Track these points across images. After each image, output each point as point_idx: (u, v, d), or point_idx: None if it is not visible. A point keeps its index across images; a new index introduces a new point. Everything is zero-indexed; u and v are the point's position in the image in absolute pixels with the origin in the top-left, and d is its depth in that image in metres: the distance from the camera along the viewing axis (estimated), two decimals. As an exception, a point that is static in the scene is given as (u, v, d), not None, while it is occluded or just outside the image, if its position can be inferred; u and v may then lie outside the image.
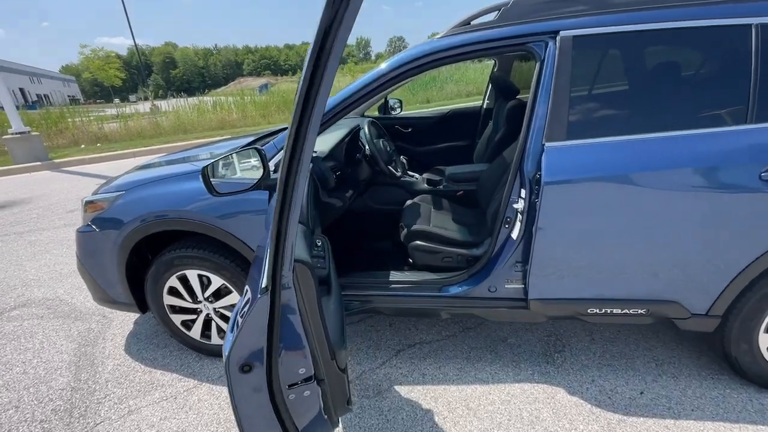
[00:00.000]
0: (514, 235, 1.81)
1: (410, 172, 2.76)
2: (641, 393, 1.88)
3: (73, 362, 2.40)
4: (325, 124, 1.84)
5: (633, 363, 2.07)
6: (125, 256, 2.09)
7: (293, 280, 1.01)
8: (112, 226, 2.08)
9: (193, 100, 17.09)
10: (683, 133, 1.53)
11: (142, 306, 2.25)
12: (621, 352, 2.15)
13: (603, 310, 1.79)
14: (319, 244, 1.43)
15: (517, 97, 2.80)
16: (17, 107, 9.46)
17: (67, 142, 11.89)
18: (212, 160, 1.61)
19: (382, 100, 3.49)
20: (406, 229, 2.18)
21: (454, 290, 1.98)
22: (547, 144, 1.63)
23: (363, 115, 3.45)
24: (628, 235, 1.62)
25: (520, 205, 1.74)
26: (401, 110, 3.59)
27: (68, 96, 63.97)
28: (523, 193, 1.73)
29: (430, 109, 3.66)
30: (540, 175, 1.61)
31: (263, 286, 1.00)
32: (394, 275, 2.09)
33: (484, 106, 3.39)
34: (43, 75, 64.80)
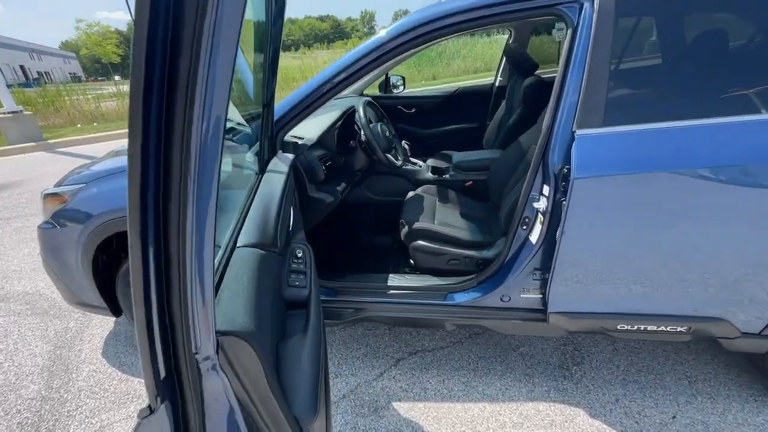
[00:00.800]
0: (534, 238, 1.54)
1: (413, 159, 2.48)
2: (673, 417, 1.64)
3: (47, 367, 2.22)
4: (312, 106, 1.56)
5: (662, 379, 1.83)
6: (91, 255, 1.85)
7: (220, 362, 0.63)
8: (76, 221, 1.84)
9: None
10: (755, 118, 1.22)
11: (115, 309, 2.04)
12: (648, 367, 1.91)
13: (636, 327, 1.54)
14: (300, 255, 1.18)
15: (535, 73, 2.46)
16: (15, 85, 9.15)
17: (64, 121, 11.61)
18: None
19: (383, 77, 3.16)
20: (406, 227, 1.91)
21: (461, 298, 1.74)
22: (579, 131, 1.34)
23: (361, 94, 3.13)
24: (674, 241, 1.34)
25: (541, 204, 1.46)
26: (404, 88, 3.27)
27: (69, 73, 63.12)
28: (546, 190, 1.45)
29: (436, 87, 3.32)
30: (569, 169, 1.33)
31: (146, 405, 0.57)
32: (393, 279, 1.84)
33: (497, 84, 3.06)
34: (43, 51, 63.79)
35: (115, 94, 13.68)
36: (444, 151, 3.02)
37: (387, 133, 1.95)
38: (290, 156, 1.46)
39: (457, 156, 2.42)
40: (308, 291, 1.10)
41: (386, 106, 3.23)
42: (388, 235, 2.45)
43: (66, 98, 12.59)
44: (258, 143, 1.42)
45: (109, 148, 8.03)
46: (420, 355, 2.09)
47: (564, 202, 1.37)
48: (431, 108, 3.20)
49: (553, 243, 1.47)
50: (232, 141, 1.29)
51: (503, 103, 2.86)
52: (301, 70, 15.50)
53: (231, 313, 0.69)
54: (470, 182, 2.32)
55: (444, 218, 2.04)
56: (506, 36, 3.07)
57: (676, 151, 1.25)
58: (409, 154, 2.41)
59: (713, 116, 1.24)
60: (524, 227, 1.58)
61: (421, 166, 2.46)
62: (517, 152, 2.09)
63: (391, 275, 1.88)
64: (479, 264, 1.84)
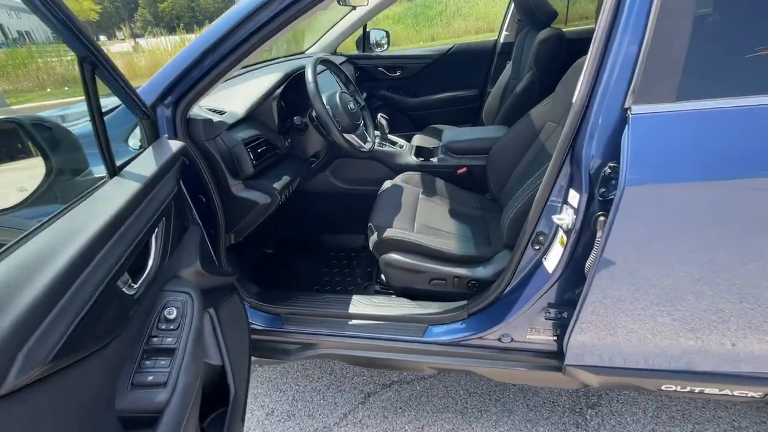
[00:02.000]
0: (550, 264, 1.06)
1: (393, 137, 1.95)
2: (723, 494, 1.24)
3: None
4: (231, 59, 1.03)
5: (703, 431, 1.42)
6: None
7: None
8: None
9: (175, 38, 15.51)
10: None
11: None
12: (684, 412, 1.49)
13: (688, 389, 1.09)
14: (173, 316, 0.70)
15: (552, 25, 1.88)
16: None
17: (33, 85, 10.75)
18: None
19: (360, 31, 2.56)
20: (376, 234, 1.43)
21: (446, 335, 1.28)
22: (637, 109, 0.83)
23: (334, 53, 2.54)
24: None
25: (565, 217, 0.97)
26: (388, 46, 2.67)
27: (52, 33, 59.75)
28: (573, 197, 0.96)
29: (427, 47, 2.71)
30: (615, 167, 0.84)
31: None
32: (357, 304, 1.38)
33: (501, 41, 2.47)
34: (21, 9, 60.20)
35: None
36: (434, 126, 2.48)
37: (350, 105, 1.42)
38: (176, 144, 0.94)
39: (449, 134, 1.89)
40: (171, 391, 0.63)
41: (364, 68, 2.65)
42: (357, 239, 1.97)
43: (39, 60, 11.65)
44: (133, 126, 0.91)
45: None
46: (395, 388, 1.66)
47: (603, 219, 0.88)
48: (420, 71, 2.62)
49: (580, 276, 1.00)
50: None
51: (509, 65, 2.29)
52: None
53: None
54: (464, 169, 1.81)
55: (427, 219, 1.54)
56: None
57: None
58: (386, 132, 1.88)
59: None
60: (536, 246, 1.10)
61: (402, 147, 1.94)
62: (527, 131, 1.57)
63: (355, 298, 1.41)
64: (472, 285, 1.37)
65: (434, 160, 1.86)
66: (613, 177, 0.86)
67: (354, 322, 1.36)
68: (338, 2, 1.78)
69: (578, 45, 1.98)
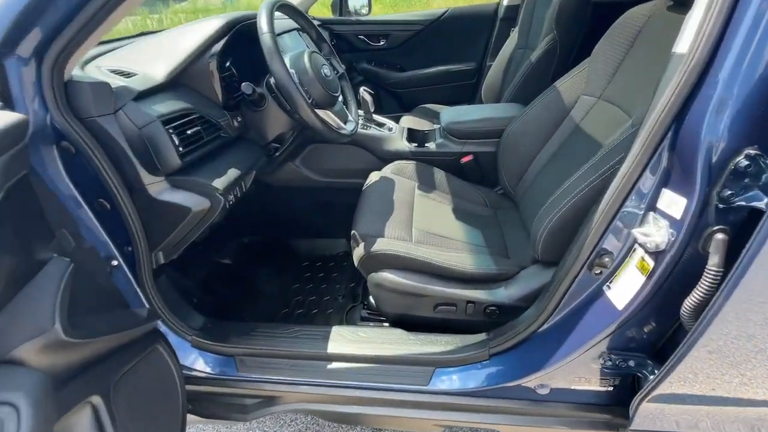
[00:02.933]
0: (620, 297, 0.74)
1: (378, 118, 1.58)
2: None
3: None
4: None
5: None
6: None
7: None
8: None
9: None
10: None
11: None
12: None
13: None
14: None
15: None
16: None
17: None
18: None
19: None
20: (362, 245, 1.06)
21: (459, 382, 0.96)
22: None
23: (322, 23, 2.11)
24: None
25: (654, 231, 0.64)
26: (369, 12, 2.26)
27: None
28: (672, 202, 0.62)
29: (415, 12, 2.31)
30: (759, 156, 0.50)
31: None
32: (336, 340, 1.04)
33: (505, 3, 2.10)
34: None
35: None
36: (426, 106, 2.11)
37: (325, 71, 1.02)
38: (9, 117, 0.55)
39: (449, 114, 1.52)
40: None
41: (341, 36, 2.23)
42: (338, 245, 1.60)
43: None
44: None
45: None
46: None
47: (722, 238, 0.56)
48: (407, 40, 2.23)
49: (668, 315, 0.68)
50: None
51: (513, 33, 1.94)
52: None
53: None
54: (469, 156, 1.46)
55: (427, 222, 1.19)
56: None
57: None
58: (372, 110, 1.51)
59: None
60: (597, 271, 0.76)
61: (392, 130, 1.56)
62: (553, 108, 1.23)
63: (336, 331, 1.06)
64: (491, 312, 1.04)
65: (431, 145, 1.50)
66: (755, 171, 0.53)
67: (334, 365, 1.01)
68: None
69: (603, 9, 1.65)
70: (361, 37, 2.22)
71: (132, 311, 0.76)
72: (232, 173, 0.94)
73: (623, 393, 0.87)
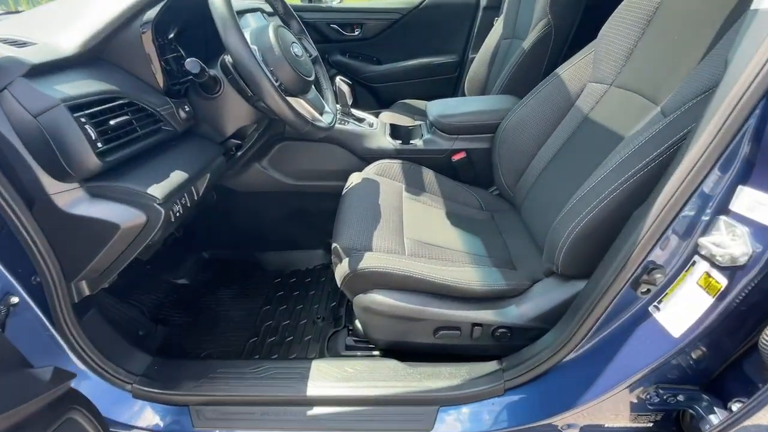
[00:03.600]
0: (675, 322, 0.59)
1: (357, 112, 1.40)
2: None
3: None
4: None
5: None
6: None
7: None
8: None
9: None
10: None
11: None
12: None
13: None
14: None
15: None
16: None
17: None
18: None
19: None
20: (346, 262, 0.88)
21: (470, 423, 0.79)
22: None
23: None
24: None
25: (729, 241, 0.49)
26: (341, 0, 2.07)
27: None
28: (753, 204, 0.48)
29: (392, 0, 2.14)
30: None
31: None
32: (316, 379, 0.85)
33: (488, -9, 1.98)
34: None
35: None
36: (407, 101, 1.95)
37: (295, 50, 0.83)
38: None
39: (436, 107, 1.36)
40: None
41: (311, 25, 2.03)
42: (314, 257, 1.40)
43: None
44: None
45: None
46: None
47: None
48: (384, 30, 2.06)
49: (737, 341, 0.54)
50: None
51: (498, 23, 1.81)
52: None
53: None
54: (461, 153, 1.31)
55: (420, 229, 1.02)
56: None
57: None
58: (349, 103, 1.32)
59: None
60: (644, 289, 0.62)
61: (372, 125, 1.39)
62: (555, 98, 1.10)
63: (316, 366, 0.87)
64: (501, 335, 0.88)
65: (418, 142, 1.34)
66: None
67: (317, 411, 0.82)
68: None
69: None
70: (334, 26, 2.03)
71: (31, 373, 0.54)
72: (177, 177, 0.72)
73: (665, 430, 0.74)
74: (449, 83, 2.15)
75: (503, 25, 1.75)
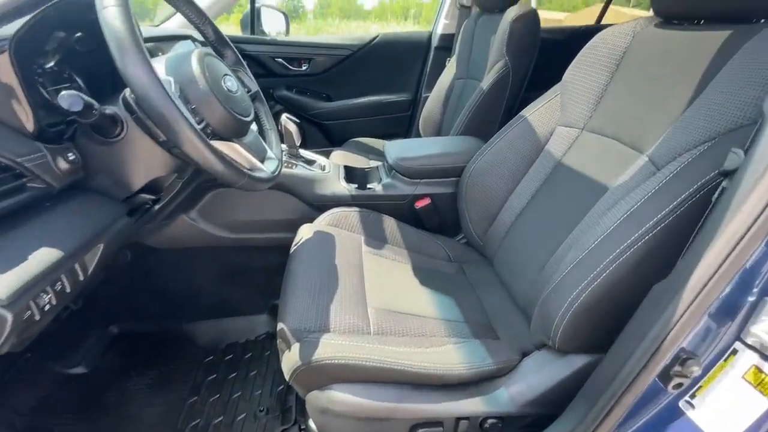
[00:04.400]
0: (716, 427, 0.46)
1: (306, 153, 1.23)
2: None
3: None
4: None
5: None
6: None
7: None
8: None
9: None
10: None
11: None
12: None
13: None
14: None
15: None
16: None
17: None
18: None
19: (246, 6, 1.79)
20: (296, 348, 0.68)
21: None
22: None
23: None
24: None
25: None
26: (288, 32, 1.96)
27: None
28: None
29: (342, 36, 2.07)
30: None
31: None
32: None
33: (439, 31, 1.96)
34: None
35: None
36: (359, 140, 1.83)
37: (228, 83, 0.66)
38: None
39: (395, 148, 1.24)
40: None
41: (255, 58, 1.88)
42: (256, 324, 1.17)
43: None
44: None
45: None
46: None
47: None
48: (334, 66, 1.95)
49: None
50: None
51: (450, 63, 1.79)
52: None
53: None
54: (426, 199, 1.18)
55: (384, 296, 0.86)
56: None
57: None
58: (297, 144, 1.16)
59: None
60: (675, 382, 0.49)
61: (324, 168, 1.23)
62: (524, 141, 1.02)
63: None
64: (490, 427, 0.72)
65: (377, 187, 1.19)
66: None
67: None
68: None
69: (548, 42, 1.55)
70: (279, 60, 1.89)
71: None
72: (42, 259, 0.50)
73: None
74: (402, 122, 2.08)
75: (456, 65, 1.72)
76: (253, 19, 1.84)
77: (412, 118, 2.06)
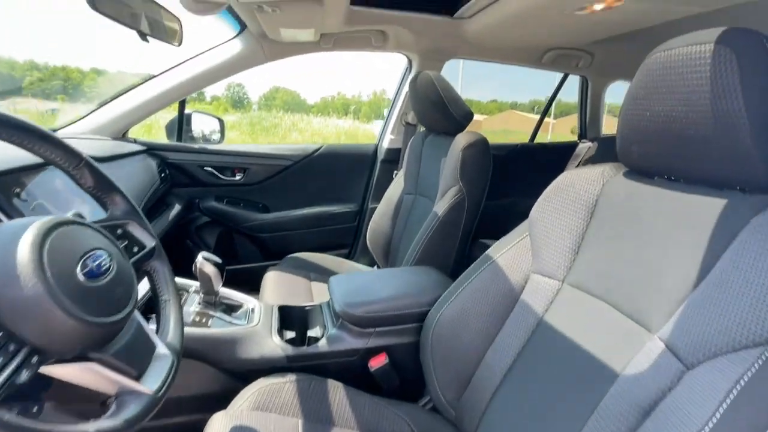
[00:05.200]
0: None
1: (229, 294, 0.96)
2: None
3: None
4: None
5: None
6: None
7: None
8: None
9: None
10: None
11: None
12: None
13: None
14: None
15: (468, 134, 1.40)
16: None
17: None
18: None
19: (174, 112, 1.63)
20: None
21: None
22: None
23: (123, 138, 1.50)
24: None
25: None
26: (222, 138, 1.80)
27: None
28: None
29: (283, 146, 1.94)
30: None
31: None
32: None
33: (385, 146, 1.93)
34: None
35: None
36: (298, 255, 1.61)
37: (86, 271, 0.42)
38: None
39: (341, 290, 1.01)
40: None
41: (180, 167, 1.66)
42: None
43: None
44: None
45: None
46: None
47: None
48: (273, 176, 1.79)
49: None
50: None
51: (398, 177, 1.72)
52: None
53: None
54: (381, 356, 0.95)
55: None
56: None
57: None
58: (217, 287, 0.90)
59: None
60: None
61: (252, 312, 0.96)
62: (497, 289, 0.87)
63: None
64: None
65: (320, 342, 0.94)
66: None
67: None
68: (140, 36, 1.13)
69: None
70: (209, 169, 1.69)
71: None
72: None
73: None
74: (348, 233, 1.92)
75: (405, 180, 1.65)
76: (181, 125, 1.66)
77: (359, 229, 1.92)
